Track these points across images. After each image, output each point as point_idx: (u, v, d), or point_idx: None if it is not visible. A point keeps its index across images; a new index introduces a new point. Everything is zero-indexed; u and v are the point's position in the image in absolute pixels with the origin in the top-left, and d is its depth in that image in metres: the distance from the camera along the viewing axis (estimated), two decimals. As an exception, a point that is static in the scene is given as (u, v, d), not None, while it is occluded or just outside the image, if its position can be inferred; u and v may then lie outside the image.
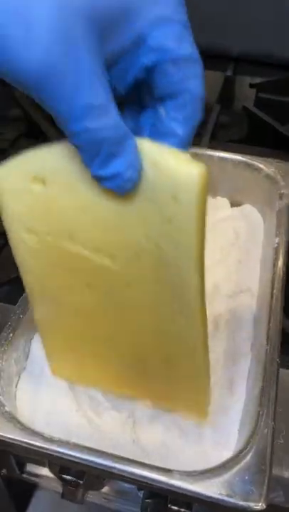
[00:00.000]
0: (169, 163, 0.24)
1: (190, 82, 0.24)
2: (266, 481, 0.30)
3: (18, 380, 0.40)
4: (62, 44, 0.20)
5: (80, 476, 0.48)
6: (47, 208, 0.29)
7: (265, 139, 0.71)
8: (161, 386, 0.36)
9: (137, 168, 0.24)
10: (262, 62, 0.89)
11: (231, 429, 0.37)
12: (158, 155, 0.25)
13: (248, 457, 0.31)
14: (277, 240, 0.46)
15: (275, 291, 0.42)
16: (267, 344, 0.38)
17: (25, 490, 0.74)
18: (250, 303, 0.47)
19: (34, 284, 0.34)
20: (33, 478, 0.64)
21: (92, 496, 0.62)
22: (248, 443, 0.32)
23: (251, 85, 0.84)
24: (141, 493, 0.49)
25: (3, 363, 0.38)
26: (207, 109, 0.77)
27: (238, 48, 0.91)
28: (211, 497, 0.30)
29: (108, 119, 0.22)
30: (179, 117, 0.25)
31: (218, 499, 0.30)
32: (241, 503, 0.29)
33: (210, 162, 0.55)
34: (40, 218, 0.29)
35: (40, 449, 0.33)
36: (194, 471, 0.31)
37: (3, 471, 0.62)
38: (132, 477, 0.31)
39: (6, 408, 0.35)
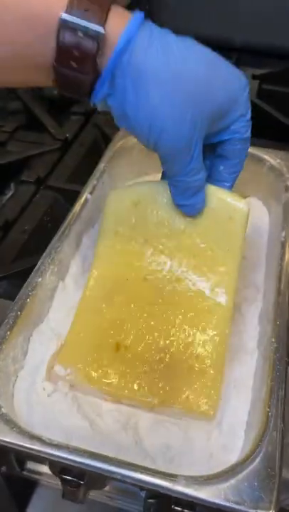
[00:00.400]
0: (227, 198, 0.41)
1: (243, 153, 0.40)
2: (276, 486, 0.29)
3: (15, 380, 0.38)
4: (191, 138, 0.35)
5: (81, 476, 0.47)
6: (134, 220, 0.42)
7: (269, 130, 0.69)
8: (172, 384, 0.37)
9: (204, 202, 0.40)
10: (265, 53, 0.87)
11: (238, 431, 0.35)
12: (221, 193, 0.41)
13: (257, 461, 0.30)
14: (283, 233, 0.45)
15: (282, 286, 0.41)
16: (275, 342, 0.36)
17: (25, 487, 0.73)
18: (255, 298, 0.45)
19: (99, 269, 0.43)
20: (33, 476, 0.63)
21: (93, 494, 0.61)
22: (256, 446, 0.31)
23: (254, 76, 0.83)
24: (143, 493, 0.49)
25: (0, 362, 0.36)
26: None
27: (240, 39, 0.89)
28: (218, 504, 0.29)
29: (199, 176, 0.38)
30: (231, 173, 0.41)
31: (225, 506, 0.28)
32: (250, 510, 0.28)
33: None
34: (127, 226, 0.42)
35: (39, 453, 0.32)
36: (200, 476, 0.30)
37: (3, 468, 0.62)
38: (136, 483, 0.30)
39: (3, 410, 0.34)
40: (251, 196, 0.56)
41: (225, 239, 0.40)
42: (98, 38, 0.31)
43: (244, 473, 0.30)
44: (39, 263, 0.42)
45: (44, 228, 0.55)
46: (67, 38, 0.31)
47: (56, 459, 0.32)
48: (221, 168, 0.40)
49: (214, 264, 0.40)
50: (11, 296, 0.41)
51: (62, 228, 0.46)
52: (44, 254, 0.43)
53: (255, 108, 0.73)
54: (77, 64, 0.32)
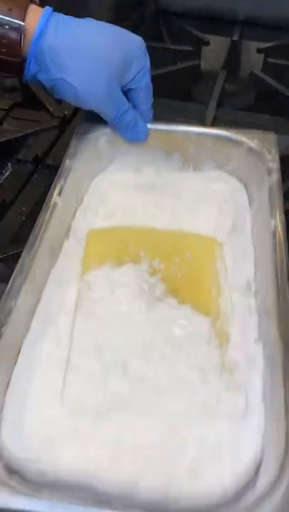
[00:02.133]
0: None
1: (147, 101, 0.51)
2: None
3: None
4: (110, 94, 0.47)
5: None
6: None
7: (274, 105, 0.67)
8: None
9: (146, 132, 0.52)
10: (270, 26, 0.85)
11: (250, 452, 0.31)
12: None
13: (279, 496, 0.25)
14: (273, 222, 0.42)
15: (279, 281, 0.37)
16: (282, 344, 0.33)
17: None
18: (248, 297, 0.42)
19: None
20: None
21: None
22: (278, 475, 0.26)
23: (259, 50, 0.80)
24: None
25: None
26: (212, 76, 0.75)
27: (244, 12, 0.87)
28: None
29: (129, 113, 0.50)
30: (144, 116, 0.52)
31: None
32: None
33: (186, 139, 0.52)
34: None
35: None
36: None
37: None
38: None
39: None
40: (228, 174, 0.53)
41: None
42: (20, 30, 0.43)
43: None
44: (10, 283, 0.38)
45: (42, 209, 0.53)
46: None
47: None
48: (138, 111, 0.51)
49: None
50: (8, 279, 0.40)
51: (31, 239, 0.42)
52: (15, 272, 0.39)
53: (260, 82, 0.72)
54: (6, 50, 0.44)
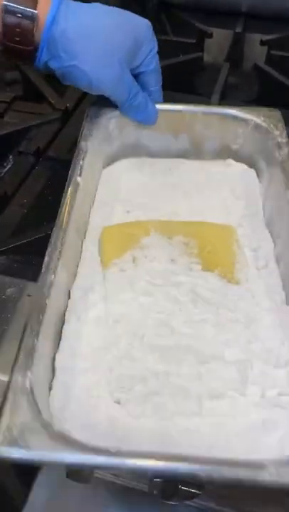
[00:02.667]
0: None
1: (157, 83, 0.52)
2: None
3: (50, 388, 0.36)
4: (121, 78, 0.48)
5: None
6: None
7: (278, 97, 0.67)
8: None
9: (156, 114, 0.52)
10: (273, 18, 0.84)
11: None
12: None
13: None
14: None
15: None
16: None
17: (31, 467, 0.72)
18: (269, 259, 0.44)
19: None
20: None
21: (99, 473, 0.60)
22: None
23: (262, 42, 0.80)
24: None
25: (34, 375, 0.33)
26: (216, 69, 0.74)
27: (247, 4, 0.86)
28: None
29: (139, 96, 0.50)
30: (154, 98, 0.52)
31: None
32: None
33: (193, 119, 0.53)
34: None
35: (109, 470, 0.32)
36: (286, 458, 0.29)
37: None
38: (217, 478, 0.28)
39: (55, 427, 0.31)
40: (237, 159, 0.54)
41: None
42: (33, 18, 0.44)
43: None
44: (46, 259, 0.39)
45: (44, 201, 0.53)
46: (10, 19, 0.44)
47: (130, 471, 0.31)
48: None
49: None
50: (10, 272, 0.39)
51: (60, 217, 0.43)
52: (50, 248, 0.40)
53: (263, 74, 0.72)
54: (20, 38, 0.44)
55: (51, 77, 0.71)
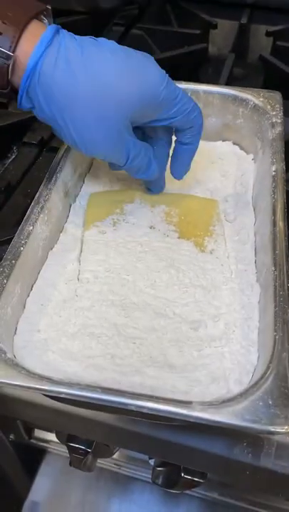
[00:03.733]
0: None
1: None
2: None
3: (16, 328, 0.38)
4: (116, 141, 0.40)
5: (89, 444, 0.47)
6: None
7: (284, 89, 0.66)
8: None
9: (156, 174, 0.45)
10: (279, 9, 0.83)
11: (251, 359, 0.36)
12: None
13: (269, 381, 0.31)
14: (274, 167, 0.45)
15: (276, 218, 0.40)
16: (275, 270, 0.37)
17: (34, 455, 0.73)
18: (248, 238, 0.46)
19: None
20: (41, 444, 0.63)
21: (102, 462, 0.61)
22: (267, 367, 0.32)
23: (268, 33, 0.79)
24: (152, 461, 0.48)
25: (0, 311, 0.36)
26: (221, 60, 0.74)
27: (252, -6, 0.85)
28: (235, 424, 0.29)
29: (140, 159, 0.42)
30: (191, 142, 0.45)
31: (242, 426, 0.29)
32: (267, 427, 0.29)
33: (195, 97, 0.53)
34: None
35: (50, 393, 0.31)
36: (215, 401, 0.31)
37: (11, 436, 0.62)
38: (152, 412, 0.30)
39: (8, 355, 0.33)
40: (235, 139, 0.55)
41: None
42: (8, 60, 0.35)
43: (258, 393, 0.30)
44: (28, 212, 0.42)
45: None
46: None
47: (69, 397, 0.31)
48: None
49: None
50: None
51: (47, 176, 0.45)
52: (33, 203, 0.42)
53: (269, 65, 0.71)
54: None
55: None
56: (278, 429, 0.29)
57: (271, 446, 0.35)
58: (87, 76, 0.36)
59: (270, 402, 0.30)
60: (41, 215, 0.42)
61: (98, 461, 0.55)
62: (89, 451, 0.46)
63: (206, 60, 0.77)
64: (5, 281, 0.36)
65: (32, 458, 0.73)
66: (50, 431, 0.58)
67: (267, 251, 0.39)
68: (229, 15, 0.84)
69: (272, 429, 0.29)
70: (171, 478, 0.46)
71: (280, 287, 0.35)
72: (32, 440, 0.62)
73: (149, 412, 0.30)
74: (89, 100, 0.36)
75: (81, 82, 0.36)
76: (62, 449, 0.64)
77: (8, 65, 0.35)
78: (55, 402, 0.38)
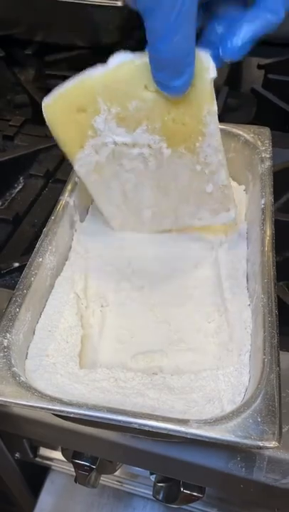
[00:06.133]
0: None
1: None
2: (277, 420, 0.32)
3: (27, 353, 0.41)
4: None
5: (94, 460, 0.49)
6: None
7: (275, 121, 0.70)
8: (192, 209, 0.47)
9: (189, 83, 0.34)
10: (270, 42, 0.86)
11: (243, 380, 0.38)
12: None
13: (258, 401, 0.33)
14: (263, 201, 0.47)
15: (265, 248, 0.43)
16: (264, 297, 0.39)
17: (39, 473, 0.75)
18: (241, 266, 0.48)
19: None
20: (46, 462, 0.65)
21: (105, 479, 0.63)
22: (256, 388, 0.34)
23: (259, 66, 0.82)
24: (153, 477, 0.50)
25: (13, 337, 0.38)
26: (215, 92, 0.77)
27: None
28: (228, 440, 0.32)
29: (186, 45, 0.31)
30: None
31: (234, 441, 0.32)
32: (257, 442, 0.31)
33: None
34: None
35: (61, 412, 0.34)
36: (210, 419, 0.33)
37: (17, 454, 0.63)
38: (153, 430, 0.33)
39: (22, 378, 0.36)
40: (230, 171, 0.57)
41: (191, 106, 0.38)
42: None
43: (248, 411, 0.33)
44: (38, 245, 0.44)
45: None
46: None
47: (77, 416, 0.34)
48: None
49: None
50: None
51: (56, 211, 0.48)
52: (42, 236, 0.45)
53: (260, 98, 0.75)
54: None
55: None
56: (266, 444, 0.31)
57: (263, 461, 0.38)
58: None
59: (259, 420, 0.32)
60: (49, 247, 0.44)
61: (101, 478, 0.57)
62: (93, 468, 0.49)
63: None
64: (17, 309, 0.39)
65: (36, 476, 0.75)
66: (56, 449, 0.60)
67: (257, 279, 0.42)
68: (223, 48, 0.88)
69: (261, 444, 0.31)
70: (171, 493, 0.48)
71: (268, 314, 0.38)
72: (37, 458, 0.64)
73: (151, 430, 0.32)
74: None
75: None
76: (66, 467, 0.66)
77: None
78: (63, 420, 0.40)
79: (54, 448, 0.62)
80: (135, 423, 0.33)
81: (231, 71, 0.84)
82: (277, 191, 0.56)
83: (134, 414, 0.33)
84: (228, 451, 0.39)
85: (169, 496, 0.49)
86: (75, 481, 0.51)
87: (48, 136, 0.67)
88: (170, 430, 0.32)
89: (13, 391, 0.35)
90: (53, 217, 0.47)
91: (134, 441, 0.41)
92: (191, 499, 0.47)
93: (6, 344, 0.37)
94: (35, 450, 0.63)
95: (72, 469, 0.51)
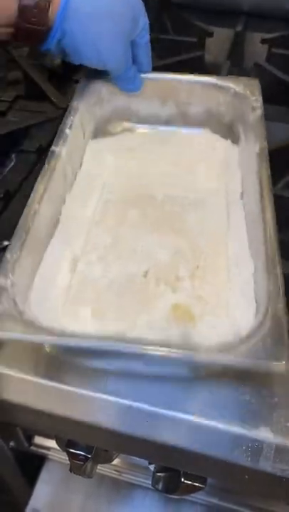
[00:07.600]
0: None
1: (148, 55, 0.56)
2: (286, 341, 0.34)
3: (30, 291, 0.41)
4: (126, 53, 0.53)
5: (89, 450, 0.47)
6: None
7: (280, 95, 0.67)
8: None
9: (141, 85, 0.57)
10: (274, 16, 0.84)
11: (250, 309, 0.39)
12: None
13: (268, 326, 0.35)
14: (257, 146, 0.48)
15: (263, 197, 0.43)
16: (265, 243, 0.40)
17: (34, 462, 0.73)
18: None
19: None
20: (41, 451, 0.64)
21: (102, 469, 0.61)
22: (265, 315, 0.36)
23: (263, 40, 0.80)
24: (152, 467, 0.48)
25: (16, 278, 0.39)
26: (217, 67, 0.75)
27: (248, 2, 0.86)
28: (239, 362, 0.33)
29: (132, 70, 0.55)
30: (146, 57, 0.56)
31: (246, 362, 0.33)
32: (268, 362, 0.33)
33: (178, 86, 0.58)
34: None
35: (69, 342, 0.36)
36: (219, 345, 0.36)
37: (12, 443, 0.62)
38: (161, 355, 0.34)
39: (26, 316, 0.37)
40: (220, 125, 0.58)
41: None
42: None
43: (258, 336, 0.34)
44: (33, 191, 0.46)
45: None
46: (28, 1, 0.46)
47: (84, 345, 0.35)
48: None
49: None
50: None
51: (49, 162, 0.48)
52: (36, 183, 0.46)
53: (264, 73, 0.72)
54: (36, 19, 0.47)
55: (53, 77, 0.72)
56: (278, 365, 0.33)
57: (270, 450, 0.36)
58: (100, 3, 0.49)
59: (270, 342, 0.34)
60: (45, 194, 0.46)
61: (99, 467, 0.55)
62: (89, 457, 0.46)
63: (203, 68, 0.77)
64: (18, 252, 0.41)
65: (32, 465, 0.73)
66: (52, 437, 0.58)
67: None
68: (225, 23, 0.85)
69: (272, 364, 0.33)
70: (172, 484, 0.46)
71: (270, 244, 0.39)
72: (32, 447, 0.62)
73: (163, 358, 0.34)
74: (108, 18, 0.49)
75: (101, 5, 0.49)
76: (63, 456, 0.64)
77: (49, 4, 0.47)
78: (55, 407, 0.39)
79: (49, 437, 0.60)
80: (135, 348, 0.34)
81: (234, 46, 0.81)
82: (283, 168, 0.53)
83: (135, 340, 0.36)
84: (232, 441, 0.37)
85: (169, 487, 0.47)
86: (70, 471, 0.49)
87: (40, 111, 0.65)
88: (183, 356, 0.34)
89: (20, 328, 0.35)
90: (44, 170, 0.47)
91: (131, 428, 0.39)
92: (191, 490, 0.45)
93: (9, 284, 0.38)
94: (29, 439, 0.61)
95: (68, 458, 0.48)
